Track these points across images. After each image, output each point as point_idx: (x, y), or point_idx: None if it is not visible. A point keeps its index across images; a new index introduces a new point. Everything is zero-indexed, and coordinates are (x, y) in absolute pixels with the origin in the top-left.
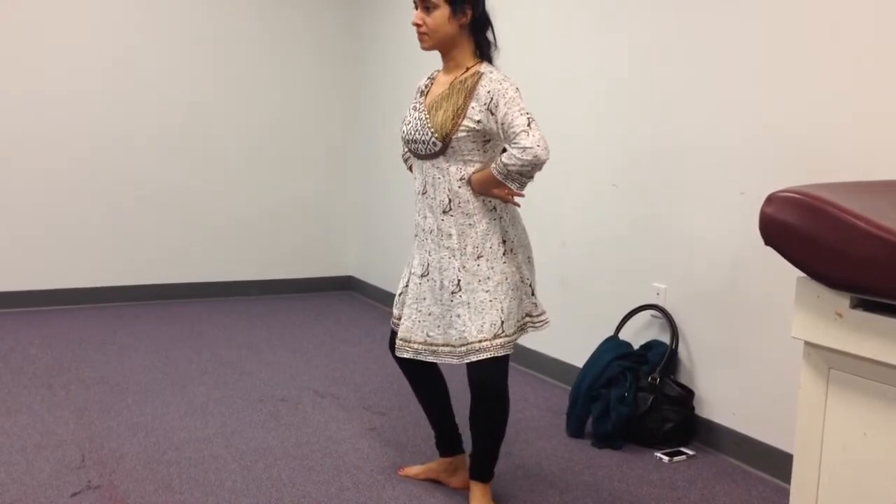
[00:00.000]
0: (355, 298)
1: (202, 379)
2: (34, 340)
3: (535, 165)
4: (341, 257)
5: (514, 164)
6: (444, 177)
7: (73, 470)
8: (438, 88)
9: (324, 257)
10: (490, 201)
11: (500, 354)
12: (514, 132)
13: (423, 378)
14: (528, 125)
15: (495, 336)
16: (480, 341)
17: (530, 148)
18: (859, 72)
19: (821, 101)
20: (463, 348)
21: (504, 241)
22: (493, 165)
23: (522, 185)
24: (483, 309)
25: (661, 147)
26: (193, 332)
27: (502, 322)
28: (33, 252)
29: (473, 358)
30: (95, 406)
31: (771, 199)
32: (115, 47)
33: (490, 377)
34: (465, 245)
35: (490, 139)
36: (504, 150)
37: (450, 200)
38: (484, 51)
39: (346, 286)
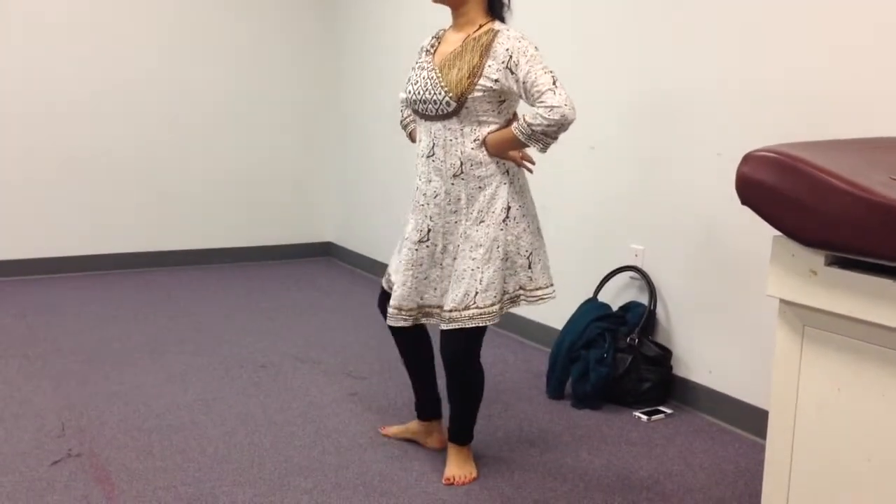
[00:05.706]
0: (334, 265)
1: (181, 347)
2: (8, 310)
3: (562, 126)
4: (320, 223)
5: (539, 125)
6: (456, 139)
7: (54, 439)
8: (448, 47)
9: (302, 223)
10: (504, 164)
11: (468, 326)
12: (538, 91)
13: (412, 342)
14: (554, 83)
15: (466, 307)
16: (451, 311)
17: (558, 107)
18: (840, 32)
19: (799, 61)
20: (444, 314)
21: (508, 208)
22: (515, 125)
23: (545, 147)
24: (462, 277)
25: (639, 108)
26: (170, 301)
27: (476, 293)
28: (3, 222)
29: (444, 326)
30: (73, 375)
31: (747, 159)
32: (77, 14)
33: (455, 348)
34: (472, 210)
35: (505, 99)
36: (515, 113)
37: (461, 164)
38: (496, 10)
39: (325, 252)
